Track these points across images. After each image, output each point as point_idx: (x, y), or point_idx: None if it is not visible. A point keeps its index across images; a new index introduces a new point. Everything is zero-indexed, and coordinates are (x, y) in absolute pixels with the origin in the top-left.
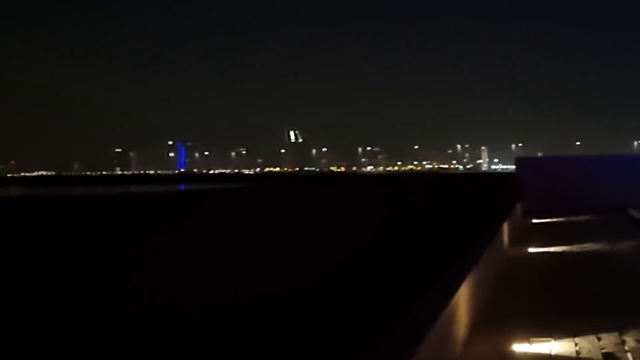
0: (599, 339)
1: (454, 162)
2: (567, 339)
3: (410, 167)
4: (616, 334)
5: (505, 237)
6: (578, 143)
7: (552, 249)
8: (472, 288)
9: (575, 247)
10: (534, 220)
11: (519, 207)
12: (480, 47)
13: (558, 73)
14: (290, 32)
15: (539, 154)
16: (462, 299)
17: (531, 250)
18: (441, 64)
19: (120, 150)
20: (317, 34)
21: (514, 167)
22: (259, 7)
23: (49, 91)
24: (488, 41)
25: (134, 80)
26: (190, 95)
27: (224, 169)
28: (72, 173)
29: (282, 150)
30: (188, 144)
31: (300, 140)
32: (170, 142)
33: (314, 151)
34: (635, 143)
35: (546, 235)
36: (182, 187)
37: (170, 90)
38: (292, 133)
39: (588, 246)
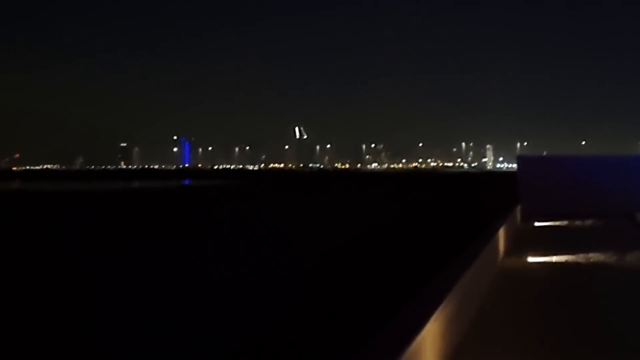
0: None
1: (459, 160)
2: None
3: (414, 164)
4: None
5: (501, 245)
6: (583, 143)
7: (554, 259)
8: (447, 320)
9: (580, 258)
10: (536, 224)
11: (519, 209)
12: (486, 46)
13: (565, 72)
14: (296, 30)
15: (544, 153)
16: (430, 339)
17: (530, 260)
18: (446, 62)
19: (124, 144)
20: (322, 33)
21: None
22: (266, 8)
23: (54, 86)
24: (494, 40)
25: (139, 76)
26: (195, 91)
27: (227, 164)
28: (77, 167)
29: (286, 147)
30: (192, 139)
31: (305, 136)
32: (174, 137)
33: (317, 148)
34: None
35: (547, 241)
36: (187, 182)
37: (175, 86)
38: (297, 130)
39: (594, 257)
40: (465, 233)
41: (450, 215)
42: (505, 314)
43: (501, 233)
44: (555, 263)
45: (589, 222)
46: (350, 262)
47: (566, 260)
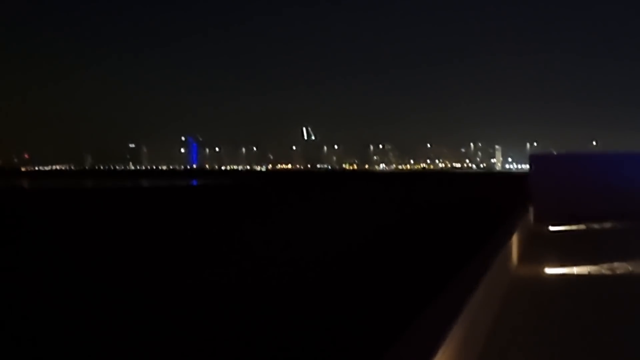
0: None
1: (467, 160)
2: None
3: (422, 165)
4: None
5: (514, 253)
6: (594, 143)
7: (574, 270)
8: (455, 352)
9: (604, 268)
10: (550, 227)
11: (532, 212)
12: (495, 45)
13: (574, 70)
14: (303, 30)
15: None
16: None
17: (547, 271)
18: (454, 61)
19: (133, 145)
20: (329, 33)
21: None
22: (273, 7)
23: (63, 87)
24: (503, 39)
25: (148, 77)
26: (203, 92)
27: (235, 165)
28: (86, 167)
29: (293, 147)
30: (200, 139)
31: (313, 137)
32: (182, 138)
33: (325, 148)
34: None
35: (565, 247)
36: (195, 182)
37: (183, 86)
38: (304, 130)
39: (620, 268)
40: (475, 239)
41: (460, 219)
42: (522, 339)
43: (514, 239)
44: (577, 276)
45: (608, 224)
46: (344, 273)
47: (589, 272)
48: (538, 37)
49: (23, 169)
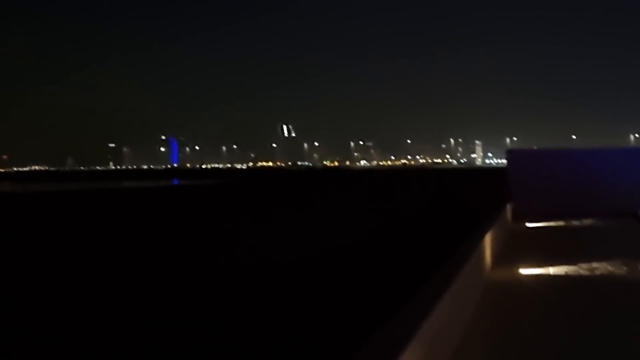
0: None
1: (448, 156)
2: None
3: (403, 161)
4: None
5: (488, 253)
6: (574, 137)
7: (551, 271)
8: None
9: (583, 269)
10: (528, 225)
11: (509, 209)
12: (474, 40)
13: (553, 65)
14: (282, 27)
15: (534, 147)
16: None
17: (524, 272)
18: (434, 56)
19: (113, 145)
20: (309, 28)
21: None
22: (250, 7)
23: (42, 87)
24: (482, 33)
25: (127, 76)
26: (183, 90)
27: (216, 163)
28: (66, 168)
29: (274, 145)
30: (180, 138)
31: (293, 134)
32: (163, 137)
33: (305, 145)
34: (632, 137)
35: (542, 246)
36: (176, 182)
37: (162, 85)
38: (284, 127)
39: (600, 267)
40: (448, 238)
41: (435, 218)
42: (495, 347)
43: (488, 239)
44: (554, 276)
45: (587, 221)
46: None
47: (566, 272)
48: (517, 31)
49: (1, 170)
